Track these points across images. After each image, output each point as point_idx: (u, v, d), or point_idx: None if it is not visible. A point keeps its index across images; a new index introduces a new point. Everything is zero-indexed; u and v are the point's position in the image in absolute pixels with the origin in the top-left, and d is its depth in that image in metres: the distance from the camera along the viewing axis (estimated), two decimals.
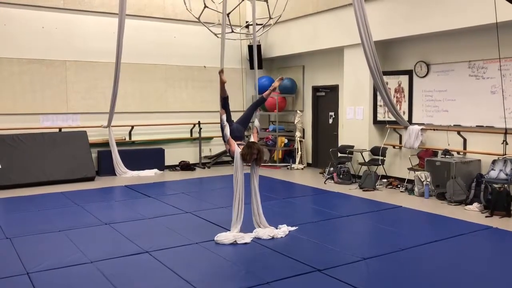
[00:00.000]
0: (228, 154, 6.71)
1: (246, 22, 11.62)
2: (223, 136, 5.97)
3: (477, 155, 8.04)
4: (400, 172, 9.41)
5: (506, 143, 7.48)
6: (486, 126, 7.96)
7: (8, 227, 6.20)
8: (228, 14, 9.26)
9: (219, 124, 6.11)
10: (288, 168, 11.57)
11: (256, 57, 6.81)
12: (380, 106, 9.50)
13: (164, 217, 6.72)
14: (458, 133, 8.30)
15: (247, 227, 5.77)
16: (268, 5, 10.04)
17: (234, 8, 10.00)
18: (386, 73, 8.95)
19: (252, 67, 12.05)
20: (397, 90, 9.44)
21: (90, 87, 10.51)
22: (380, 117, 9.65)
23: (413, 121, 9.12)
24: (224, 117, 5.99)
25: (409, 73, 9.22)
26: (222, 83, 6.16)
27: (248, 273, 4.58)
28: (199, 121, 11.69)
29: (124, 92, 10.66)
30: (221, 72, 6.24)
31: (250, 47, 11.93)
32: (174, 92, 11.59)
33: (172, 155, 11.51)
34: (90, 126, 10.44)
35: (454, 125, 8.48)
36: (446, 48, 8.57)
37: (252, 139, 6.01)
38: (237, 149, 5.74)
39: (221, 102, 6.19)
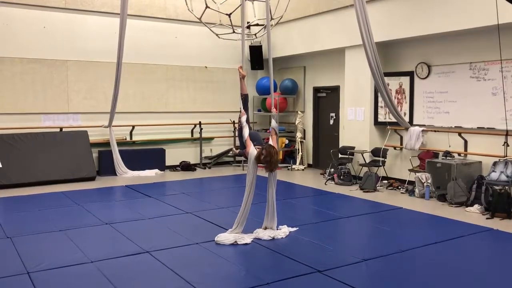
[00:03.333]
0: (244, 156, 6.56)
1: (248, 22, 11.62)
2: (241, 137, 5.83)
3: (478, 156, 8.03)
4: (400, 174, 9.41)
5: (507, 145, 7.47)
6: (487, 128, 7.96)
7: (8, 226, 6.20)
8: (229, 15, 9.26)
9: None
10: (288, 169, 11.57)
11: (271, 57, 6.58)
12: (381, 107, 9.50)
13: (164, 217, 6.72)
14: (459, 134, 8.29)
15: (247, 227, 5.77)
16: (269, 6, 10.01)
17: (236, 9, 9.98)
18: (387, 74, 8.94)
19: (253, 67, 12.09)
20: (398, 91, 9.44)
21: (91, 87, 10.52)
22: (381, 118, 9.64)
23: (414, 123, 9.12)
24: (244, 118, 5.83)
25: (410, 74, 9.22)
26: (241, 78, 6.07)
27: (248, 273, 4.58)
28: (200, 122, 11.69)
29: (125, 92, 10.66)
30: (240, 67, 6.14)
31: (251, 48, 11.96)
32: (175, 92, 11.59)
33: (173, 155, 11.51)
34: (91, 126, 10.45)
35: (455, 126, 8.47)
36: (447, 49, 8.57)
37: (271, 141, 5.86)
38: (252, 150, 5.62)
39: (241, 102, 6.04)
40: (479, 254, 5.33)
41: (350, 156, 9.91)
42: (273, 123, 6.15)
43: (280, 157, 12.07)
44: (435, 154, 8.67)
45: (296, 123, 11.68)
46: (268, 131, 12.13)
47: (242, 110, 5.96)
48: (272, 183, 5.74)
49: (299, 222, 6.32)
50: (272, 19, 9.95)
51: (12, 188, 8.92)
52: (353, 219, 6.74)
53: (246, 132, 5.74)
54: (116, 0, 10.02)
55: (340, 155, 10.22)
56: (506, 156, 7.45)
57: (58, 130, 10.16)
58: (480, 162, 7.98)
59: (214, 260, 4.99)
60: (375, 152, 9.56)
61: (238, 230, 5.65)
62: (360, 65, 9.47)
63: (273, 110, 6.44)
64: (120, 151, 10.53)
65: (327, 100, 11.48)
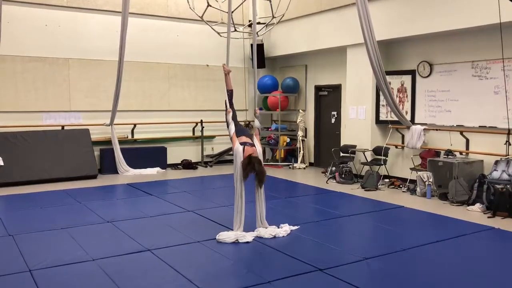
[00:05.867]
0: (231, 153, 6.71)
1: (249, 21, 11.61)
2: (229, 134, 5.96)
3: (480, 155, 8.02)
4: (402, 172, 9.41)
5: (509, 144, 7.47)
6: (489, 127, 7.95)
7: (10, 224, 6.21)
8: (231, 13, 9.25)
9: (224, 123, 6.10)
10: (290, 168, 11.56)
11: (255, 56, 6.73)
12: (383, 106, 9.49)
13: (166, 216, 6.73)
14: (461, 133, 8.29)
15: (249, 226, 5.77)
16: (271, 4, 10.02)
17: (237, 7, 9.98)
18: (389, 73, 8.95)
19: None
20: (399, 90, 9.43)
21: (93, 85, 10.53)
22: (382, 117, 9.63)
23: (416, 121, 9.11)
24: (230, 116, 5.97)
25: (412, 73, 9.21)
26: (226, 73, 6.19)
27: (249, 272, 4.58)
28: (201, 120, 11.70)
29: (127, 90, 10.67)
30: (224, 64, 6.29)
31: (253, 46, 11.95)
32: (176, 91, 11.60)
33: (174, 154, 11.52)
34: (92, 124, 10.46)
35: (456, 125, 8.47)
36: (449, 48, 8.56)
37: (255, 140, 5.94)
38: (237, 146, 5.66)
39: (227, 99, 6.17)
40: (480, 253, 5.32)
41: (351, 155, 9.90)
42: (257, 123, 6.43)
43: (282, 155, 12.08)
44: (437, 153, 8.66)
45: (297, 122, 11.68)
46: (269, 128, 12.22)
47: (228, 108, 6.09)
48: (259, 198, 5.72)
49: (301, 221, 6.32)
50: (273, 17, 9.97)
51: (14, 186, 8.93)
52: (355, 217, 6.74)
53: (232, 129, 5.88)
54: None
55: (341, 154, 10.22)
56: (508, 155, 7.44)
57: (59, 128, 10.17)
58: (482, 161, 7.97)
59: (216, 258, 5.00)
60: (377, 150, 9.55)
61: (240, 230, 5.66)
62: (361, 64, 9.46)
63: (257, 111, 6.64)
64: (121, 149, 10.54)
65: (329, 98, 11.48)
